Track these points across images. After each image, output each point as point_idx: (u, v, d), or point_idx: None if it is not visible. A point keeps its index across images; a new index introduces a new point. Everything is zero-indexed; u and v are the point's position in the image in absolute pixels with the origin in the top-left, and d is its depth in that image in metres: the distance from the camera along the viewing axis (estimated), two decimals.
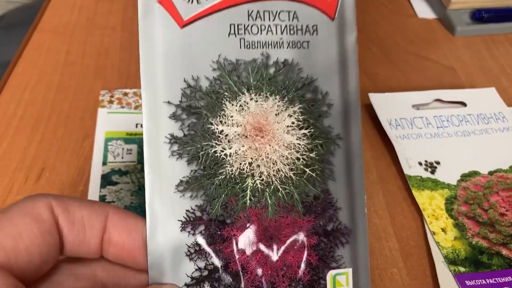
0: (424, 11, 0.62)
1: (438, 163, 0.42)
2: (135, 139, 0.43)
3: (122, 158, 0.42)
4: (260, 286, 0.24)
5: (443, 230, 0.38)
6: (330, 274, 0.25)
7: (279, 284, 0.24)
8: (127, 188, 0.39)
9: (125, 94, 0.48)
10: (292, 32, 0.25)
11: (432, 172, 0.42)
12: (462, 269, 0.35)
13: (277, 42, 0.25)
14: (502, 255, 0.36)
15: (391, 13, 0.62)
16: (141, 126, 0.44)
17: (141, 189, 0.39)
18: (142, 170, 0.41)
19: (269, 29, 0.25)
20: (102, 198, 0.38)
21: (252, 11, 0.25)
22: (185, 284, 0.24)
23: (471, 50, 0.57)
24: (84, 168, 0.41)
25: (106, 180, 0.40)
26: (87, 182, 0.40)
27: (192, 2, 0.24)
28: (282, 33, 0.25)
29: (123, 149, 0.42)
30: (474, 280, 0.34)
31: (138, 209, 0.38)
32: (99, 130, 0.44)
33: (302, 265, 0.25)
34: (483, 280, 0.34)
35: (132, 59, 0.54)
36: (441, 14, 0.61)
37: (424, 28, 0.60)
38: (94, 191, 0.39)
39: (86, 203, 0.24)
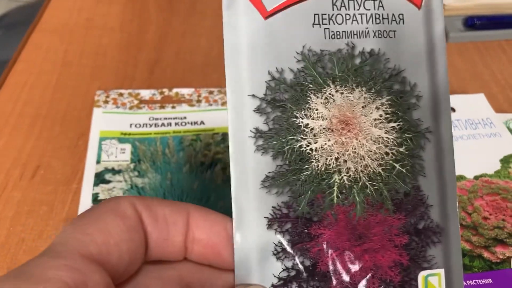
0: None
1: None
2: (129, 139, 0.44)
3: (116, 157, 0.43)
4: (349, 287, 0.23)
5: None
6: (422, 275, 0.24)
7: (369, 285, 0.23)
8: (119, 186, 0.40)
9: (121, 94, 0.49)
10: (377, 21, 0.24)
11: None
12: None
13: (362, 32, 0.24)
14: (484, 257, 0.37)
15: None
16: (136, 126, 0.45)
17: (133, 188, 0.40)
18: (134, 169, 0.42)
19: (354, 18, 0.24)
20: (95, 196, 0.39)
21: (336, 0, 0.24)
22: (272, 285, 0.23)
23: (463, 56, 0.58)
24: (78, 166, 0.42)
25: (99, 178, 0.41)
26: (81, 180, 0.41)
27: None
28: (367, 22, 0.24)
29: (116, 148, 0.43)
30: None
31: None
32: (94, 129, 0.45)
33: (393, 266, 0.23)
34: (464, 282, 0.35)
35: (129, 60, 0.55)
36: None
37: None
38: (87, 189, 0.40)
39: (167, 202, 0.23)
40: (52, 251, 0.19)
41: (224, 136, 0.45)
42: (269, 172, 0.23)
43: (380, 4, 0.24)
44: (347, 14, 0.24)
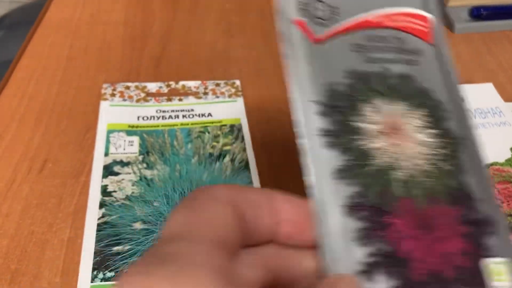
0: None
1: None
2: (136, 131, 0.44)
3: (124, 149, 0.42)
4: (427, 273, 0.24)
5: None
6: (489, 262, 0.25)
7: (447, 272, 0.25)
8: (128, 178, 0.40)
9: (127, 87, 0.48)
10: (403, 53, 0.29)
11: None
12: None
13: (393, 59, 0.28)
14: None
15: None
16: (143, 119, 0.45)
17: (142, 179, 0.40)
18: (143, 161, 0.41)
19: (385, 49, 0.29)
20: (104, 188, 0.39)
21: (368, 35, 0.29)
22: (359, 271, 0.24)
23: (470, 47, 0.58)
24: (87, 159, 0.42)
25: (108, 171, 0.40)
26: (89, 173, 0.41)
27: (321, 25, 0.28)
28: (395, 53, 0.29)
29: (125, 141, 0.43)
30: None
31: (139, 198, 0.39)
32: (101, 122, 0.45)
33: (463, 253, 0.25)
34: None
35: (134, 54, 0.54)
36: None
37: None
38: (96, 181, 0.40)
39: (252, 188, 0.25)
40: (183, 238, 0.20)
41: (232, 128, 0.45)
42: (338, 165, 0.25)
43: (402, 41, 0.29)
44: (378, 46, 0.29)
